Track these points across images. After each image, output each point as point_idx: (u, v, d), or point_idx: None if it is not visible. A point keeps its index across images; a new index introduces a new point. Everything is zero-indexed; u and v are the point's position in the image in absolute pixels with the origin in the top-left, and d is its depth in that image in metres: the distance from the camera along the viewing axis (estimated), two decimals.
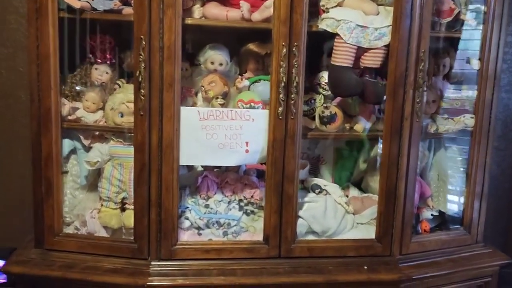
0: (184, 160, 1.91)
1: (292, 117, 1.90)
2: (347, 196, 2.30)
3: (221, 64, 2.05)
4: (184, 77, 2.01)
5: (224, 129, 1.91)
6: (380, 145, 2.07)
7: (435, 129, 2.15)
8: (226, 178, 2.11)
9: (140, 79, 1.79)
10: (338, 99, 2.14)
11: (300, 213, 2.04)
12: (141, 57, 1.77)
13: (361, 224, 2.17)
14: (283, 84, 1.86)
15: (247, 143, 1.94)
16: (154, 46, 1.79)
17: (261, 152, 1.96)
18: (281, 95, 1.87)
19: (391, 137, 1.98)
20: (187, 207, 2.05)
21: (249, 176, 2.15)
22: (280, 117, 1.89)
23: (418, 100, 1.96)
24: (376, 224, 2.05)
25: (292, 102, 1.88)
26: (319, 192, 2.14)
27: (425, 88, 1.98)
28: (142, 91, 1.80)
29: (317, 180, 2.21)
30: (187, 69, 2.09)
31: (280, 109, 1.88)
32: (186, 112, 1.87)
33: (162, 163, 1.86)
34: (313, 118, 2.10)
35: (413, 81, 1.95)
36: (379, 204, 2.03)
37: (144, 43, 1.77)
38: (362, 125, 2.10)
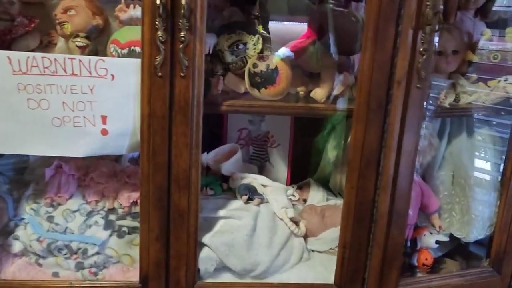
0: None
1: (182, 74, 1.03)
2: (303, 200, 1.45)
3: None
4: None
5: (62, 92, 1.06)
6: None
7: (453, 100, 1.25)
8: (94, 170, 1.27)
9: None
10: (289, 44, 1.24)
11: (206, 238, 1.20)
12: None
13: (317, 252, 1.33)
14: (162, 8, 0.98)
15: (104, 118, 1.09)
16: None
17: (131, 135, 1.10)
18: (159, 33, 1.00)
19: (367, 116, 1.10)
20: (23, 218, 1.23)
21: (135, 169, 1.31)
22: (160, 74, 1.02)
23: (423, 48, 1.06)
24: (337, 260, 1.20)
25: (182, 45, 1.01)
26: (249, 200, 1.28)
27: (437, 27, 1.06)
28: None
29: (250, 179, 1.35)
30: None
31: (159, 58, 1.01)
32: None
33: None
34: (243, 75, 1.22)
35: (416, 12, 1.05)
36: (343, 230, 1.18)
37: None
38: (324, 91, 1.22)
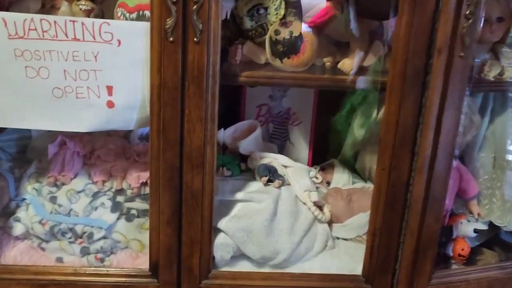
0: None
1: (196, 39, 0.91)
2: (327, 183, 1.33)
3: None
4: None
5: (63, 59, 0.95)
6: None
7: (498, 73, 1.12)
8: (101, 148, 1.17)
9: None
10: (314, 10, 1.12)
11: (222, 223, 1.09)
12: None
13: (343, 240, 1.21)
14: None
15: (109, 88, 0.98)
16: None
17: (139, 108, 1.00)
18: None
19: (402, 88, 0.97)
20: (24, 199, 1.14)
21: (146, 147, 1.21)
22: (171, 39, 0.91)
23: (469, 11, 0.94)
24: (365, 249, 1.09)
25: (196, 6, 0.89)
26: (269, 182, 1.17)
27: None
28: None
29: (271, 159, 1.24)
30: None
31: (170, 21, 0.90)
32: None
33: None
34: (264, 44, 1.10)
35: None
36: (373, 215, 1.06)
37: None
38: (353, 62, 1.09)
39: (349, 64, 1.09)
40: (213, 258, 1.09)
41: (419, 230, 1.06)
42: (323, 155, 1.45)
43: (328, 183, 1.33)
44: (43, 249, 1.12)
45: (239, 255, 1.12)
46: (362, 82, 1.07)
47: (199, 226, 1.03)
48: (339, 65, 1.10)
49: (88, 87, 0.97)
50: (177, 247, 1.05)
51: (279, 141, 1.44)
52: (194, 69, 0.93)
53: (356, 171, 1.37)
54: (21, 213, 1.12)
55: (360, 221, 1.19)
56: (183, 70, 0.94)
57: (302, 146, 1.43)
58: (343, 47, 1.14)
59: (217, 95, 0.97)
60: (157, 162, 0.99)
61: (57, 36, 0.93)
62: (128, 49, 0.95)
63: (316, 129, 1.41)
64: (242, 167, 1.23)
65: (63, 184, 1.13)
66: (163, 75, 0.93)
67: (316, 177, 1.32)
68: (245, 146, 1.24)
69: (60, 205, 1.10)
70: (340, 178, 1.33)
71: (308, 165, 1.41)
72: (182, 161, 0.99)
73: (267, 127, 1.43)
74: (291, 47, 1.05)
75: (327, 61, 1.13)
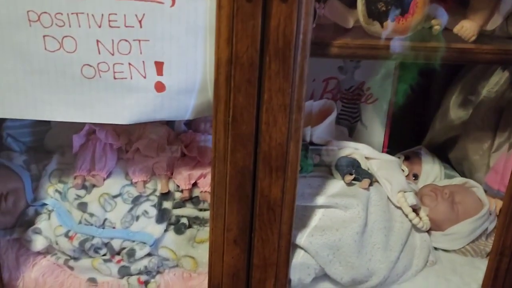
0: None
1: None
2: (414, 176, 1.08)
3: None
4: None
5: (95, 25, 0.68)
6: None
7: None
8: (140, 138, 0.92)
9: None
10: None
11: (301, 238, 0.85)
12: None
13: (444, 251, 0.97)
14: None
15: (159, 65, 0.71)
16: None
17: (199, 91, 0.74)
18: None
19: None
20: (45, 204, 0.90)
21: (196, 136, 0.95)
22: None
23: None
24: (486, 271, 0.85)
25: None
26: (354, 181, 0.92)
27: None
28: None
29: (350, 149, 0.98)
30: None
31: None
32: None
33: None
34: (354, 4, 0.82)
35: None
36: (501, 230, 0.81)
37: None
38: (476, 25, 0.82)
39: (470, 27, 0.82)
40: (289, 281, 0.85)
41: None
42: (400, 140, 1.19)
43: (416, 176, 1.08)
44: (71, 267, 0.88)
45: (320, 276, 0.88)
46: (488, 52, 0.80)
47: (275, 245, 0.79)
48: (456, 30, 0.82)
49: (130, 64, 0.70)
50: (246, 270, 0.81)
51: (348, 122, 1.18)
52: (279, 38, 0.67)
53: (447, 160, 1.12)
54: (41, 223, 0.88)
55: (467, 229, 0.94)
56: (263, 40, 0.67)
57: (376, 129, 1.17)
58: (456, 5, 0.86)
59: (306, 75, 0.70)
60: (222, 164, 0.74)
61: None
62: (185, 10, 0.68)
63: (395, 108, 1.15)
64: (315, 160, 0.98)
65: (94, 186, 0.89)
66: (235, 47, 0.67)
67: (402, 169, 1.06)
68: (319, 133, 0.98)
69: (91, 214, 0.86)
70: (431, 170, 1.07)
71: (383, 152, 1.16)
72: (256, 163, 0.74)
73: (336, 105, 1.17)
74: (398, 5, 0.78)
75: (436, 24, 0.86)
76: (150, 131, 0.92)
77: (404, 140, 1.19)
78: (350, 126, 1.19)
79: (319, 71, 1.14)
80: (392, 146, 1.17)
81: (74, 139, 0.89)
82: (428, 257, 0.92)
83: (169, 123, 0.97)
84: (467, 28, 0.82)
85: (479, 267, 0.89)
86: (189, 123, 0.98)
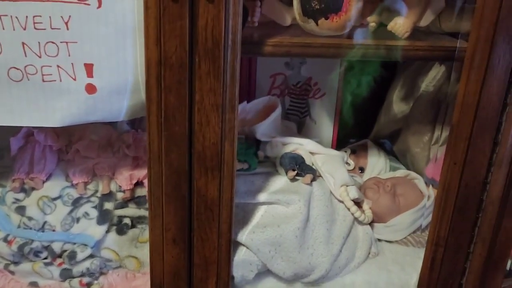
0: None
1: None
2: (360, 169, 1.10)
3: None
4: None
5: (20, 27, 0.67)
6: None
7: None
8: (80, 139, 0.90)
9: None
10: None
11: (242, 235, 0.85)
12: None
13: (387, 242, 0.99)
14: None
15: (89, 67, 0.71)
16: None
17: (131, 91, 0.73)
18: None
19: (488, 59, 0.72)
20: None
21: (138, 135, 0.94)
22: None
23: None
24: (423, 260, 0.87)
25: None
26: (297, 176, 0.93)
27: None
28: None
29: (295, 145, 0.99)
30: None
31: None
32: None
33: None
34: (291, 2, 0.83)
35: None
36: (436, 221, 0.83)
37: None
38: (409, 21, 0.83)
39: (403, 24, 0.83)
40: (232, 278, 0.85)
41: (493, 237, 0.84)
42: (348, 134, 1.21)
43: (362, 169, 1.10)
44: (11, 272, 0.87)
45: (263, 271, 0.89)
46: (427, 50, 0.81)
47: (215, 244, 0.79)
48: (390, 27, 0.84)
49: (58, 66, 0.70)
50: (187, 269, 0.81)
51: (296, 118, 1.20)
52: (208, 38, 0.67)
53: (391, 153, 1.14)
54: None
55: (408, 220, 0.97)
56: (191, 40, 0.67)
57: (325, 123, 1.19)
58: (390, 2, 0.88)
59: (238, 74, 0.71)
60: (158, 165, 0.73)
61: None
62: (112, 11, 0.67)
63: (342, 102, 1.17)
64: (260, 156, 0.98)
65: (33, 189, 0.87)
66: (164, 48, 0.67)
67: (348, 163, 1.08)
68: (263, 130, 0.98)
69: (30, 218, 0.85)
70: (376, 163, 1.10)
71: (332, 146, 1.17)
72: (192, 163, 0.74)
73: (283, 101, 1.18)
74: (331, 3, 0.79)
75: (372, 21, 0.87)
76: (91, 132, 0.91)
77: (353, 133, 1.22)
78: (299, 121, 1.20)
79: (266, 68, 1.15)
80: (340, 140, 1.20)
81: (11, 142, 0.88)
82: (371, 249, 0.94)
83: (112, 123, 0.96)
84: (401, 25, 0.84)
85: (420, 257, 0.91)
86: (132, 122, 0.97)
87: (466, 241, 0.84)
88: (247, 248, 0.85)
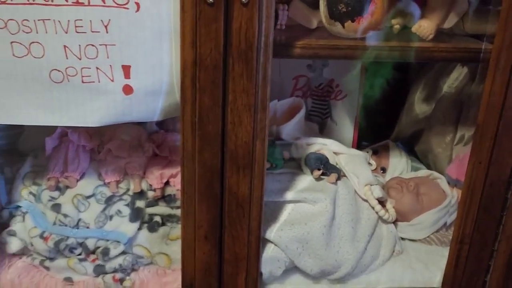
0: None
1: (244, 0, 0.67)
2: (382, 170, 1.12)
3: None
4: None
5: (62, 31, 0.70)
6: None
7: None
8: (111, 139, 0.93)
9: None
10: None
11: (270, 233, 0.88)
12: None
13: (411, 241, 1.01)
14: None
15: (126, 69, 0.74)
16: None
17: (166, 93, 0.76)
18: None
19: None
20: (19, 206, 0.91)
21: (167, 135, 0.97)
22: (210, 1, 0.66)
23: None
24: (448, 259, 0.89)
25: None
26: (322, 176, 0.95)
27: None
28: None
29: (319, 145, 1.01)
30: None
31: None
32: None
33: None
34: (317, 5, 0.85)
35: None
36: (461, 219, 0.85)
37: None
38: (433, 24, 0.85)
39: (427, 27, 0.85)
40: (261, 274, 0.88)
41: None
42: (370, 135, 1.23)
43: (383, 170, 1.12)
44: (47, 268, 0.90)
45: (291, 268, 0.91)
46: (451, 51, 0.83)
47: (245, 240, 0.81)
48: (414, 29, 0.86)
49: (97, 68, 0.73)
50: (218, 266, 0.83)
51: (318, 119, 1.21)
52: (241, 41, 0.69)
53: (414, 153, 1.16)
54: (16, 225, 0.90)
55: (431, 219, 0.98)
56: (226, 42, 0.69)
57: (346, 125, 1.20)
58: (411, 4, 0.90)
59: (269, 76, 0.73)
60: (191, 164, 0.76)
61: (52, 1, 0.68)
62: (150, 15, 0.70)
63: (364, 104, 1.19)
64: (285, 156, 1.00)
65: (67, 187, 0.90)
66: (199, 50, 0.69)
67: (370, 163, 1.10)
68: (288, 131, 1.01)
69: (65, 215, 0.88)
70: (398, 163, 1.11)
71: (353, 147, 1.19)
72: (224, 162, 0.76)
73: (305, 102, 1.20)
74: (357, 6, 0.81)
75: (396, 23, 0.89)
76: (122, 132, 0.94)
77: (374, 134, 1.23)
78: (320, 123, 1.22)
79: (288, 70, 1.17)
80: (362, 141, 1.22)
81: (46, 142, 0.91)
82: (395, 247, 0.96)
83: (142, 124, 0.99)
84: (425, 27, 0.86)
85: (444, 255, 0.93)
86: (160, 123, 1.00)
87: (491, 239, 0.85)
88: (275, 245, 0.87)
